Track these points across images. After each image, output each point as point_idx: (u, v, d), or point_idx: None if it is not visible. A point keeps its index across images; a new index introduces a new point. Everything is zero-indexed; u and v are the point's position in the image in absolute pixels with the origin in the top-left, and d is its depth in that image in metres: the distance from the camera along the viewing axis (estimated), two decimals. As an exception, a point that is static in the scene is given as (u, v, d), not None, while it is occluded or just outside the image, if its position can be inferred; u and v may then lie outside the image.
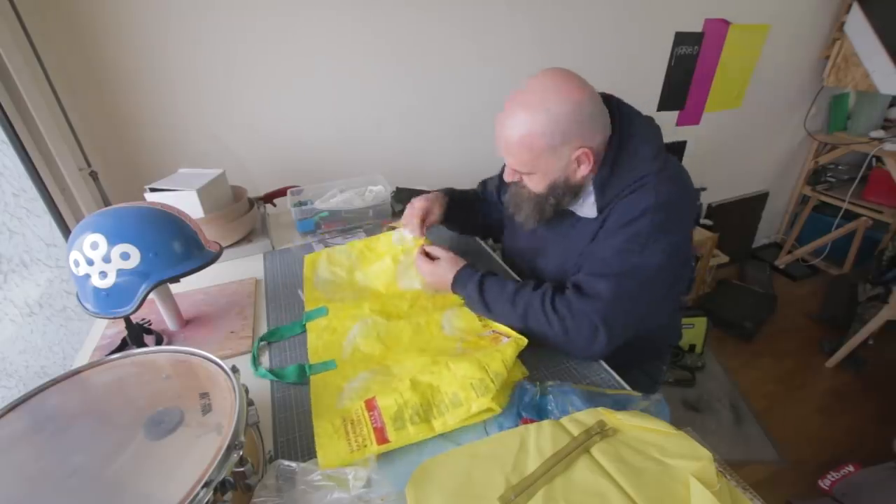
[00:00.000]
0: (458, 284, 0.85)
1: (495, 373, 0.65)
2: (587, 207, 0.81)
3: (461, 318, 0.84)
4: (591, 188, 0.79)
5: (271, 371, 0.75)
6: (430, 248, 0.92)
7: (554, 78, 0.72)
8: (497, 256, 1.09)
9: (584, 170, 0.75)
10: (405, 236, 0.98)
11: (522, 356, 0.74)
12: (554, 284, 0.77)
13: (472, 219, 1.11)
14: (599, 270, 0.73)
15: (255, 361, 0.78)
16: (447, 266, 0.87)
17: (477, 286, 0.81)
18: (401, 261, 0.96)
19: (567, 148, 0.72)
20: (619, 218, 0.75)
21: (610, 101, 0.78)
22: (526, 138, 0.72)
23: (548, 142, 0.71)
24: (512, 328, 0.77)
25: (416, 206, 0.97)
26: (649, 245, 0.72)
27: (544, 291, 0.75)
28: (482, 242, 1.17)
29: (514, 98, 0.73)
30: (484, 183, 1.15)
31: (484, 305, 0.80)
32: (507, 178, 0.83)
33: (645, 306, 0.74)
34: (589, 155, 0.73)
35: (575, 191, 0.79)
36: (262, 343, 0.83)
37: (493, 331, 0.80)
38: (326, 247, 1.17)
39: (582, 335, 0.71)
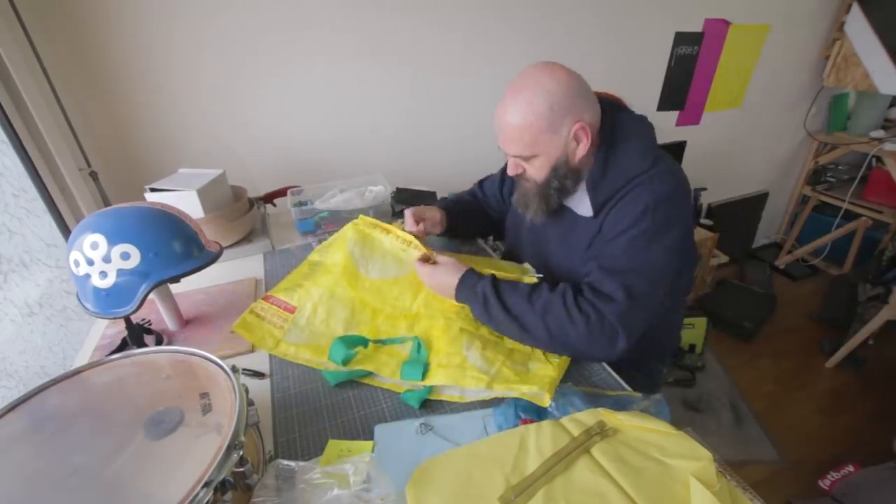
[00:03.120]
0: (464, 287, 0.81)
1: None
2: (584, 206, 0.82)
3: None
4: (584, 188, 0.80)
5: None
6: (435, 256, 0.88)
7: (540, 66, 0.76)
8: (496, 257, 1.09)
9: (582, 148, 0.76)
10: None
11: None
12: (571, 284, 0.77)
13: (474, 224, 1.12)
14: (610, 270, 0.74)
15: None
16: (450, 270, 0.84)
17: (491, 284, 0.78)
18: (352, 251, 0.90)
19: (565, 123, 0.74)
20: (619, 220, 0.76)
21: (603, 102, 0.79)
22: (527, 118, 0.73)
23: (547, 117, 0.73)
24: (529, 331, 0.75)
25: (406, 214, 0.97)
26: (654, 242, 0.73)
27: (563, 291, 0.75)
28: (482, 242, 1.17)
29: (510, 89, 0.76)
30: (481, 183, 1.15)
31: (500, 304, 0.76)
32: (511, 171, 0.83)
33: (656, 303, 0.75)
34: (586, 129, 0.75)
35: (576, 174, 0.80)
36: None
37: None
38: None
39: (604, 336, 0.71)
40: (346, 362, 0.73)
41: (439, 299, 0.84)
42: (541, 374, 0.70)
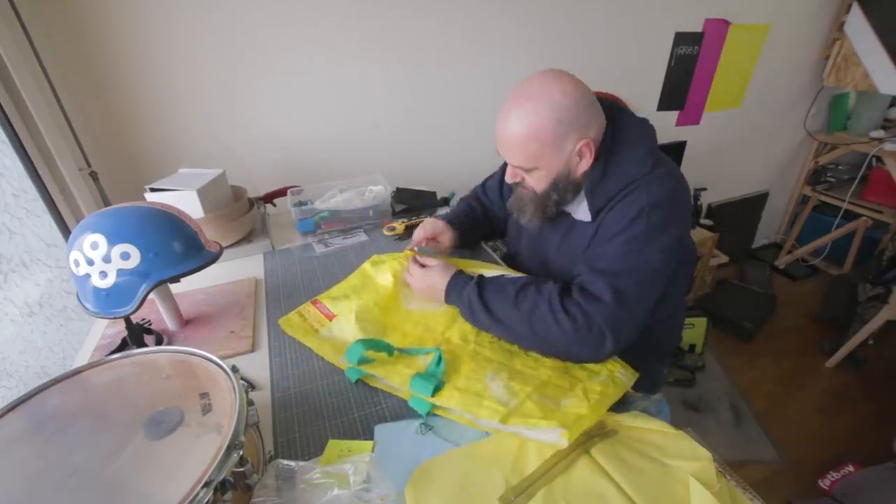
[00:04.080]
0: (453, 291, 0.82)
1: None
2: (582, 211, 0.81)
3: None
4: (583, 194, 0.79)
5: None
6: (421, 259, 0.91)
7: (549, 74, 0.73)
8: (497, 256, 1.09)
9: (584, 164, 0.75)
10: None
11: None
12: (559, 285, 0.76)
13: (482, 233, 1.12)
14: (600, 272, 0.73)
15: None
16: (439, 273, 0.85)
17: (475, 289, 0.79)
18: (402, 280, 0.92)
19: (571, 139, 0.73)
20: (615, 223, 0.75)
21: (603, 103, 0.78)
22: (531, 130, 0.71)
23: (552, 131, 0.71)
24: (514, 333, 0.75)
25: (426, 224, 0.98)
26: (648, 245, 0.72)
27: (550, 292, 0.74)
28: (482, 243, 1.17)
29: (515, 94, 0.73)
30: (484, 185, 1.14)
31: (484, 309, 0.77)
32: (509, 179, 0.82)
33: (646, 306, 0.74)
34: (590, 146, 0.74)
35: (576, 187, 0.79)
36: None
37: None
38: (326, 247, 1.17)
39: (591, 337, 0.70)
40: (360, 363, 0.73)
41: (473, 329, 0.81)
42: (569, 412, 0.62)
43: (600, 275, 0.73)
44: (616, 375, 0.71)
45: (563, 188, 0.78)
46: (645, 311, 0.74)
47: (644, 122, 0.80)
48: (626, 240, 0.73)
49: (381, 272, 0.95)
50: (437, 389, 0.66)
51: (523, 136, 0.72)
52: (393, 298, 0.90)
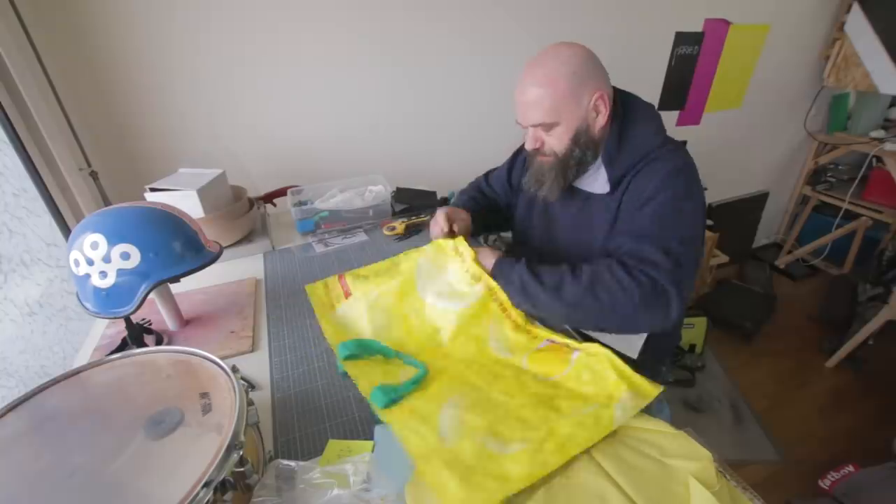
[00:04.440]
0: (503, 267, 0.80)
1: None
2: (599, 183, 0.84)
3: (506, 329, 0.77)
4: (600, 163, 0.82)
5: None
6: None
7: (558, 43, 0.79)
8: (497, 247, 1.08)
9: (601, 119, 0.79)
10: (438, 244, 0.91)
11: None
12: (610, 258, 0.75)
13: (491, 222, 1.11)
14: (645, 237, 0.74)
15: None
16: (485, 254, 0.84)
17: (525, 265, 0.77)
18: (420, 266, 0.89)
19: (586, 92, 0.77)
20: (641, 191, 0.77)
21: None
22: (549, 82, 0.75)
23: (569, 82, 0.75)
24: (575, 306, 0.71)
25: (439, 216, 0.94)
26: (680, 204, 0.75)
27: (608, 262, 0.73)
28: (481, 240, 1.17)
29: (529, 63, 0.78)
30: (486, 178, 1.15)
31: (537, 282, 0.74)
32: (530, 145, 0.83)
33: (695, 264, 0.75)
34: (605, 99, 0.77)
35: (596, 146, 0.81)
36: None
37: (549, 340, 0.73)
38: (326, 246, 1.17)
39: (658, 301, 0.69)
40: (346, 359, 0.73)
41: (480, 341, 0.77)
42: (496, 473, 0.53)
43: (646, 240, 0.73)
44: (613, 406, 0.60)
45: (584, 145, 0.80)
46: (694, 268, 0.75)
47: (651, 104, 0.84)
48: (658, 204, 0.75)
49: (408, 260, 0.93)
50: (393, 403, 0.64)
51: (542, 92, 0.76)
52: (410, 287, 0.87)
